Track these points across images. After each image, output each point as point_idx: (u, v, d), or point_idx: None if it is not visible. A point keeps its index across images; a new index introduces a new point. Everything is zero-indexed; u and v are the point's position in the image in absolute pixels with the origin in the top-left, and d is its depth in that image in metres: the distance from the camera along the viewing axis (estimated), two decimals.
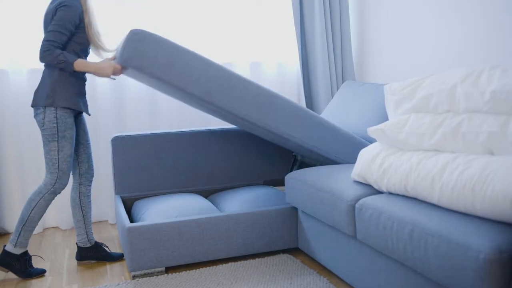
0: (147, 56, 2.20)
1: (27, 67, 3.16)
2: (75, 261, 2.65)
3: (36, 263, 2.63)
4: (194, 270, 2.41)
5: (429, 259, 1.51)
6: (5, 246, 2.42)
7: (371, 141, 2.71)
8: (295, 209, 2.59)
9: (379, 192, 1.99)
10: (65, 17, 2.29)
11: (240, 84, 2.34)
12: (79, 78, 2.44)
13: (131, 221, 2.84)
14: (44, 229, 3.28)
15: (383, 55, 3.43)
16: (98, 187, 3.37)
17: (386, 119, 2.65)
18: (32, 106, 2.38)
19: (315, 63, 3.62)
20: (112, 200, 3.38)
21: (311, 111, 2.49)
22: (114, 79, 2.53)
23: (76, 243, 2.62)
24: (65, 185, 2.42)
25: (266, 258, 2.54)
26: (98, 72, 2.38)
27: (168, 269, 2.47)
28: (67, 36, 2.32)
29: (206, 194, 3.15)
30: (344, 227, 2.00)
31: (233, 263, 2.49)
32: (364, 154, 2.05)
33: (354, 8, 3.73)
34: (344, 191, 2.03)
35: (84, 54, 2.47)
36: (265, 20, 3.65)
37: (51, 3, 2.38)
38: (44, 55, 2.27)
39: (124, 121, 3.37)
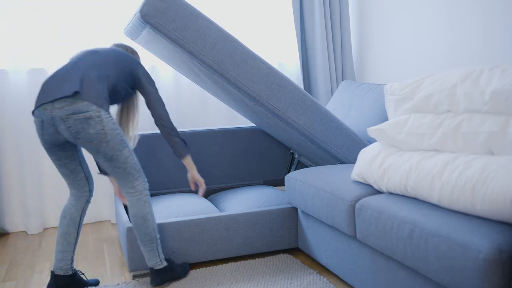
0: (166, 16, 2.17)
1: (27, 67, 3.16)
2: (76, 260, 2.64)
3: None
4: (194, 270, 2.41)
5: (429, 259, 1.51)
6: (151, 269, 2.18)
7: (370, 141, 2.71)
8: (295, 209, 2.59)
9: (379, 192, 1.99)
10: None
11: (253, 61, 2.33)
12: None
13: None
14: (44, 229, 3.28)
15: (383, 55, 3.43)
16: (98, 187, 3.36)
17: (386, 119, 2.65)
18: (84, 99, 1.93)
19: (315, 63, 3.62)
20: (112, 200, 3.38)
21: (318, 101, 2.48)
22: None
23: (53, 271, 2.15)
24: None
25: (266, 258, 2.54)
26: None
27: None
28: None
29: (206, 194, 3.15)
30: (344, 227, 2.00)
31: (233, 263, 2.49)
32: (364, 154, 2.05)
33: (354, 8, 3.73)
34: (344, 191, 2.03)
35: None
36: (265, 20, 3.65)
37: None
38: (176, 132, 2.28)
39: None
